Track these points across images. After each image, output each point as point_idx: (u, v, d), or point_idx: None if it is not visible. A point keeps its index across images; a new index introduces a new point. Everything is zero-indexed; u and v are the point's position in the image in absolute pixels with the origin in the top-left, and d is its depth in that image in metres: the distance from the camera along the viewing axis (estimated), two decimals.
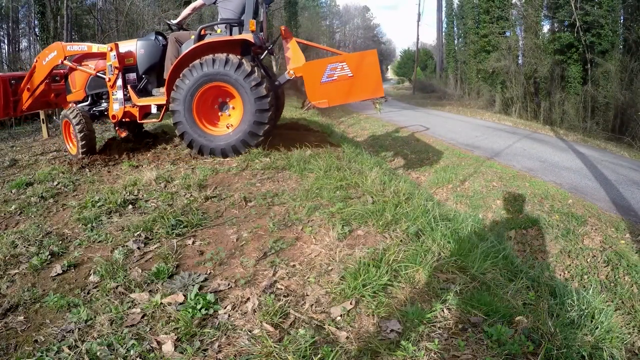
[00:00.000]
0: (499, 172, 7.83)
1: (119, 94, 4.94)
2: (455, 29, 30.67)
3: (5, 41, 20.26)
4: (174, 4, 15.10)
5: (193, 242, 2.65)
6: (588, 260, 5.15)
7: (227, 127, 4.60)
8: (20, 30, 20.55)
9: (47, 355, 1.71)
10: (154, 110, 4.98)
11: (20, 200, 3.77)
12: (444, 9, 31.87)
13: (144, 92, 5.03)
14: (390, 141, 10.81)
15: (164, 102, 4.78)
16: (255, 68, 4.37)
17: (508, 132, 12.30)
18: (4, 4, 19.21)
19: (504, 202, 6.65)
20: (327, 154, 4.36)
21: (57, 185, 4.11)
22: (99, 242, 2.74)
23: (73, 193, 3.90)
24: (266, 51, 5.00)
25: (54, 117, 9.40)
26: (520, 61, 21.02)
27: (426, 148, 9.79)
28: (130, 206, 3.31)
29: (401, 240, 2.50)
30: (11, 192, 4.05)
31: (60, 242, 2.80)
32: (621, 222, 5.77)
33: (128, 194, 3.57)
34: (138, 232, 2.77)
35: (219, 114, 4.68)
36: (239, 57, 4.41)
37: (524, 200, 6.51)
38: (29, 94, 5.43)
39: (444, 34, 32.35)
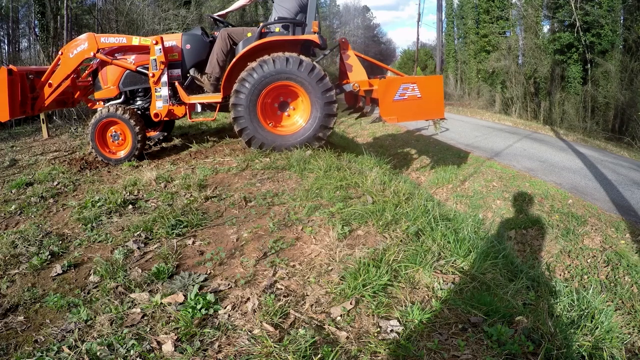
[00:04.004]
0: (499, 172, 7.84)
1: (164, 91, 4.70)
2: (455, 29, 30.71)
3: (5, 41, 20.30)
4: (174, 4, 15.09)
5: (193, 242, 2.65)
6: (588, 260, 5.15)
7: (287, 127, 4.60)
8: (20, 30, 20.58)
9: (47, 355, 1.70)
10: (198, 109, 4.85)
11: (20, 200, 3.77)
12: (444, 9, 31.89)
13: (190, 90, 4.86)
14: (390, 141, 10.81)
15: (219, 99, 4.65)
16: (325, 72, 4.40)
17: (508, 132, 12.30)
18: (4, 4, 19.24)
19: (503, 202, 6.65)
20: (327, 154, 4.36)
21: (57, 185, 4.11)
22: (99, 242, 2.74)
23: (73, 193, 3.90)
24: (322, 54, 4.97)
25: (54, 117, 9.39)
26: (520, 61, 21.07)
27: (426, 148, 9.80)
28: (130, 206, 3.31)
29: (401, 240, 2.50)
30: (11, 192, 4.05)
31: (60, 242, 2.80)
32: (621, 222, 5.77)
33: (128, 194, 3.57)
34: (138, 232, 2.77)
35: (278, 113, 4.65)
36: (310, 59, 4.41)
37: (524, 200, 6.51)
38: (50, 90, 4.83)
39: (443, 34, 32.34)
